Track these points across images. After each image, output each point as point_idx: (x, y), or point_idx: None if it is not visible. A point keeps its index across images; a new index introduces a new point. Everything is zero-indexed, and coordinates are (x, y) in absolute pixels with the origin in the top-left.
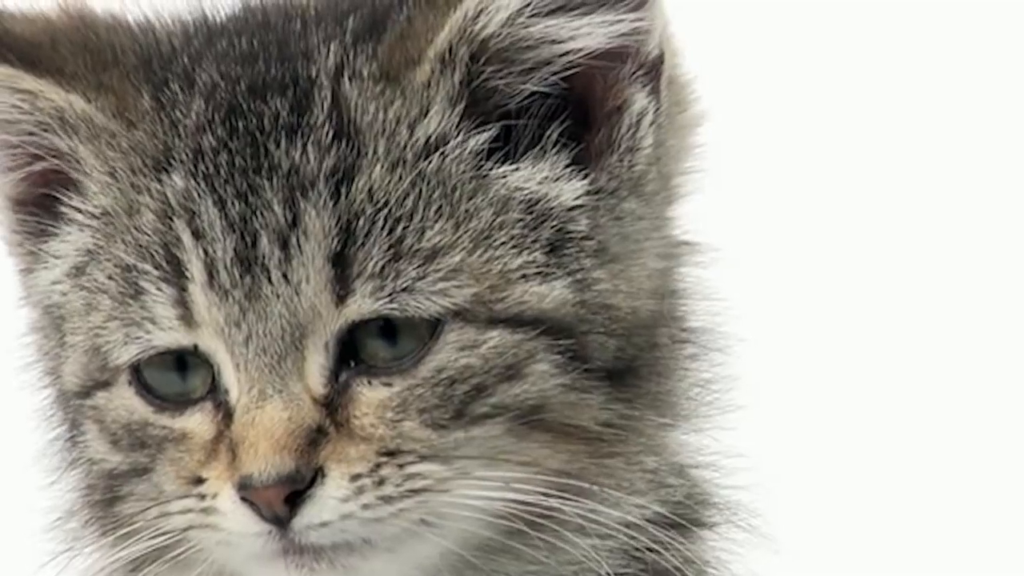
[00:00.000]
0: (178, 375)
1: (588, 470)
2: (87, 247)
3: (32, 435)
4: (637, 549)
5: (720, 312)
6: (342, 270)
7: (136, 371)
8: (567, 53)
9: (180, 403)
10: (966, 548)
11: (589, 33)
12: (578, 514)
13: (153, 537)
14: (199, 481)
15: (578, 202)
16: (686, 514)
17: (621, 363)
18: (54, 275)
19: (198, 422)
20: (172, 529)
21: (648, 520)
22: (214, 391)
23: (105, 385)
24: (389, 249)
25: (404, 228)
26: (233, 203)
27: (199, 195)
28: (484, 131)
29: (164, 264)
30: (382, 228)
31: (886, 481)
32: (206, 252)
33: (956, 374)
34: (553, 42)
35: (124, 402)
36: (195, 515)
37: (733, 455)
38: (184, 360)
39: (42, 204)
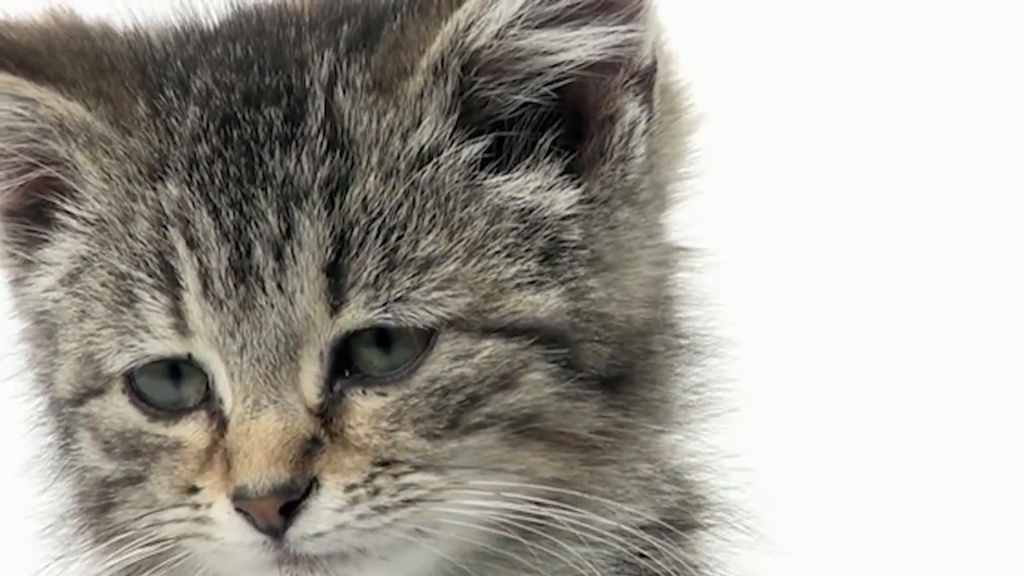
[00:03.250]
0: (172, 383)
1: (582, 478)
2: (81, 254)
3: (26, 441)
4: (630, 555)
5: (714, 316)
6: (336, 280)
7: (130, 379)
8: (559, 64)
9: (174, 411)
10: (963, 549)
11: (581, 45)
12: (572, 523)
13: (146, 545)
14: (193, 490)
15: (571, 211)
16: (680, 519)
17: (615, 371)
18: (47, 282)
19: (192, 431)
20: (165, 537)
21: (641, 527)
22: (208, 400)
23: (98, 393)
24: (383, 259)
25: (398, 238)
26: (228, 212)
27: (194, 204)
28: (477, 141)
29: (158, 272)
30: (376, 238)
31: (882, 481)
32: (200, 261)
33: (952, 374)
34: (545, 53)
35: (118, 410)
36: (189, 524)
37: (728, 457)
38: (178, 368)
39: (34, 213)
